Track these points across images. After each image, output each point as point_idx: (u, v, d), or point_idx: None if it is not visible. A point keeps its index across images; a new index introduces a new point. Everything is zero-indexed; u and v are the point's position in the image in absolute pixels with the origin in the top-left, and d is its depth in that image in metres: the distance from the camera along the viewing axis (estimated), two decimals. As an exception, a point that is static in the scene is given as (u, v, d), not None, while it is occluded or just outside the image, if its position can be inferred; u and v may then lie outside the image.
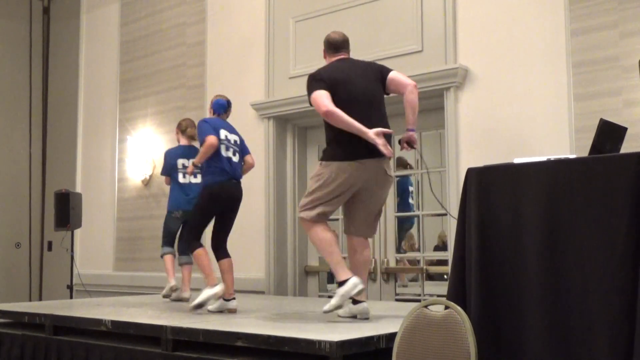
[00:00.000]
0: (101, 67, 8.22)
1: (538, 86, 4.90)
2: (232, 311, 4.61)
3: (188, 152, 5.73)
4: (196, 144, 5.37)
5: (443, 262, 5.65)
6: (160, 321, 4.00)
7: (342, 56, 4.23)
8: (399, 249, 5.98)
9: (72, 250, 7.51)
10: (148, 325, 3.98)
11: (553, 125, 4.79)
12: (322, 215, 4.02)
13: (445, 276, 5.76)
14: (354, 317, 3.99)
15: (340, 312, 3.97)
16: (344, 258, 4.14)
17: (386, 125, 4.00)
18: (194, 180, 5.62)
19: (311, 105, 4.06)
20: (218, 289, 4.53)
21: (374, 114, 3.98)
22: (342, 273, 3.88)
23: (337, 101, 3.92)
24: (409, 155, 5.98)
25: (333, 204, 4.05)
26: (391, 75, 4.12)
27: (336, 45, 4.23)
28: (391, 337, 3.12)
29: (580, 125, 4.63)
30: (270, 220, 6.29)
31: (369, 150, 3.87)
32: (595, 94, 4.63)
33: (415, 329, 2.87)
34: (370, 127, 3.85)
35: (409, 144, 4.11)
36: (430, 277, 5.97)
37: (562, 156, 3.19)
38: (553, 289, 2.82)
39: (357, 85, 4.02)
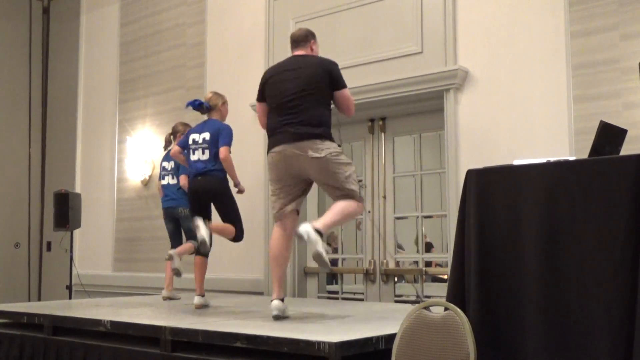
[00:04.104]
0: (101, 68, 8.22)
1: (538, 88, 4.90)
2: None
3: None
4: None
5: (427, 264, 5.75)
6: (159, 322, 3.99)
7: (295, 53, 4.39)
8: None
9: (71, 251, 7.51)
10: (147, 325, 3.98)
11: (553, 127, 4.79)
12: None
13: (407, 278, 5.83)
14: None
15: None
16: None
17: (306, 119, 4.09)
18: (171, 181, 5.95)
19: None
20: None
21: (309, 106, 4.12)
22: None
23: (267, 97, 4.30)
24: (408, 158, 5.99)
25: None
26: (342, 92, 4.26)
27: (291, 41, 4.46)
28: (390, 338, 3.12)
29: (580, 127, 4.63)
30: (270, 221, 6.26)
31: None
32: (595, 96, 4.63)
33: (414, 331, 2.87)
34: (286, 119, 4.13)
35: None
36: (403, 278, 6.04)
37: (562, 158, 3.19)
38: (552, 291, 2.82)
39: (284, 78, 4.23)
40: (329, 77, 4.19)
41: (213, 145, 4.95)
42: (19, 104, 9.14)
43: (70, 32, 8.84)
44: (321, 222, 3.92)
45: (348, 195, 4.12)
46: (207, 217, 4.97)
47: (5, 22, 9.06)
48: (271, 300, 4.13)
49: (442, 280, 5.91)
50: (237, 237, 5.08)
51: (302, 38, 4.41)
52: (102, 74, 8.18)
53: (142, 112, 7.61)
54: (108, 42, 8.12)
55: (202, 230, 4.72)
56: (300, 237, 3.82)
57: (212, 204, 5.08)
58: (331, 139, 4.15)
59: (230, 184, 5.08)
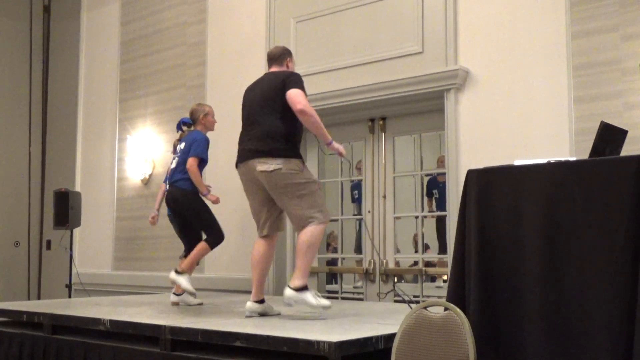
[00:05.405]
0: (101, 67, 8.22)
1: (538, 88, 4.90)
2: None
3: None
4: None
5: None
6: (158, 321, 3.99)
7: (270, 70, 4.50)
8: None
9: (71, 250, 7.50)
10: (147, 324, 3.97)
11: (553, 127, 4.79)
12: None
13: (396, 279, 5.85)
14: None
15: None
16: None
17: (260, 134, 4.19)
18: None
19: None
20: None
21: (261, 118, 4.23)
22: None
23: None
24: (408, 158, 5.98)
25: None
26: (287, 93, 4.17)
27: (268, 59, 4.56)
28: (390, 338, 3.12)
29: (581, 127, 4.63)
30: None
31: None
32: (596, 97, 4.63)
33: (414, 330, 2.87)
34: (253, 128, 4.25)
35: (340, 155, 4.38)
36: (401, 278, 6.05)
37: (562, 158, 3.18)
38: (552, 291, 2.82)
39: (254, 92, 4.36)
40: (282, 84, 4.18)
41: (185, 154, 5.15)
42: (19, 103, 9.14)
43: (70, 30, 8.83)
44: (297, 277, 4.05)
45: (303, 223, 4.12)
46: (189, 229, 5.17)
47: (6, 20, 9.06)
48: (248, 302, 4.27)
49: (433, 280, 5.94)
50: (214, 243, 5.18)
51: (278, 55, 4.48)
52: (103, 73, 8.17)
53: (142, 111, 7.61)
54: (108, 41, 8.11)
55: (182, 284, 4.92)
56: (289, 305, 4.03)
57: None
58: (287, 156, 4.12)
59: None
